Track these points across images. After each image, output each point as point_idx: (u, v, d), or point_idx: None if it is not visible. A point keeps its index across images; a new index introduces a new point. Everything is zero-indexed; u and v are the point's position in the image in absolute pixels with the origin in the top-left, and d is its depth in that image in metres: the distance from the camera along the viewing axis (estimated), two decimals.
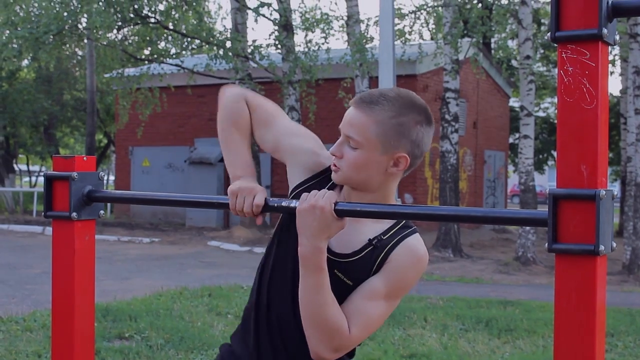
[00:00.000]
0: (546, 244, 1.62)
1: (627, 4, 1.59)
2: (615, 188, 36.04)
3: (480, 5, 18.11)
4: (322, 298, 2.11)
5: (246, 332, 2.43)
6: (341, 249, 2.23)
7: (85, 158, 2.23)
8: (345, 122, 2.19)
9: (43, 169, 39.71)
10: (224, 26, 21.44)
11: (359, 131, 2.14)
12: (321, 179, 2.33)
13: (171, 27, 20.56)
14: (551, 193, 1.61)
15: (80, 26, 20.26)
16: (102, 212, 2.27)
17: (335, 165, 2.20)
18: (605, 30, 1.57)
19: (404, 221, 2.28)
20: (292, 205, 2.12)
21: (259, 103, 2.44)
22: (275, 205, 2.18)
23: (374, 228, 2.23)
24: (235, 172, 2.34)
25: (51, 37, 18.41)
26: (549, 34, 1.62)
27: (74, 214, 2.17)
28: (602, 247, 1.57)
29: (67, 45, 24.27)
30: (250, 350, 2.39)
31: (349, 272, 2.20)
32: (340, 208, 2.03)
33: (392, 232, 2.24)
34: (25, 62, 24.51)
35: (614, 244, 1.65)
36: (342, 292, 2.18)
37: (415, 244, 2.25)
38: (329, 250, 2.18)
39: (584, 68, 1.58)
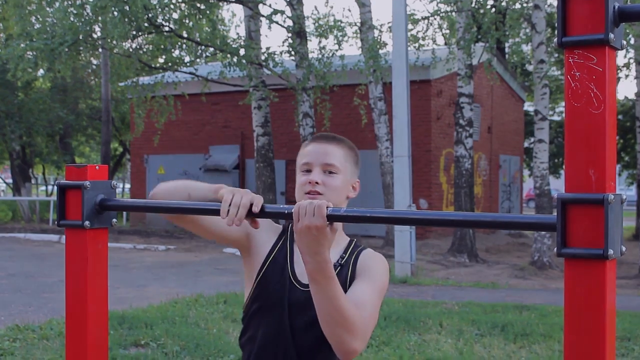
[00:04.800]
0: (555, 249, 1.62)
1: (633, 8, 1.59)
2: (632, 191, 35.92)
3: (493, 10, 18.07)
4: (340, 303, 2.18)
5: None
6: None
7: (97, 167, 2.25)
8: (320, 155, 2.50)
9: (59, 177, 39.88)
10: (238, 34, 21.47)
11: (337, 159, 2.51)
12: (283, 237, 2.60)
13: (185, 36, 20.63)
14: (559, 198, 1.61)
15: (94, 35, 20.36)
16: (114, 220, 2.28)
17: (316, 193, 2.45)
18: (612, 35, 1.57)
19: (354, 242, 2.61)
20: (287, 212, 2.12)
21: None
22: (273, 211, 2.21)
23: (333, 253, 2.42)
24: (211, 187, 2.35)
25: (66, 48, 18.49)
26: (556, 40, 1.63)
27: (87, 223, 2.18)
28: (611, 251, 1.57)
29: (82, 55, 24.37)
30: None
31: None
32: (333, 214, 2.05)
33: (349, 251, 2.56)
34: (40, 72, 24.62)
35: (624, 248, 1.65)
36: None
37: (370, 250, 2.59)
38: (306, 285, 2.42)
39: (591, 73, 1.58)
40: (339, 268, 2.49)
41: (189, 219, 2.44)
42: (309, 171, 2.50)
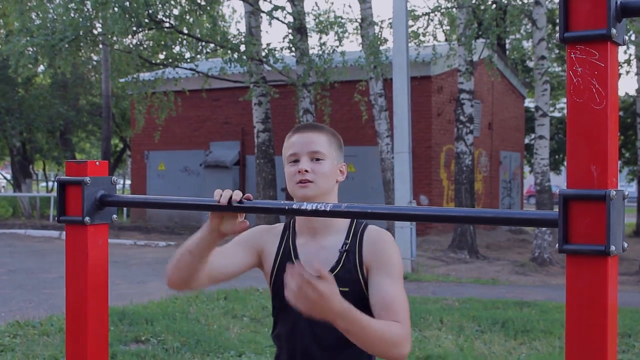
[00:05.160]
0: (556, 245, 1.62)
1: (635, 3, 1.58)
2: (632, 188, 35.92)
3: (494, 6, 18.04)
4: (376, 331, 2.27)
5: None
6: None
7: (97, 163, 2.24)
8: (304, 144, 2.58)
9: (60, 174, 39.84)
10: (238, 30, 21.48)
11: (322, 146, 2.59)
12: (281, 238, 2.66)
13: (185, 32, 20.61)
14: (561, 193, 1.61)
15: (95, 31, 20.34)
16: (115, 216, 2.28)
17: (307, 181, 2.53)
18: (614, 31, 1.56)
19: (354, 221, 2.61)
20: (288, 208, 2.12)
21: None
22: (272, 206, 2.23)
23: (335, 239, 2.58)
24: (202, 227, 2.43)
25: (67, 44, 18.48)
26: (557, 35, 1.62)
27: (87, 219, 2.17)
28: (613, 248, 1.57)
29: (83, 51, 24.36)
30: None
31: (339, 282, 2.35)
32: (334, 210, 2.04)
33: (352, 233, 2.58)
34: (41, 68, 24.62)
35: (625, 244, 1.64)
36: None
37: (373, 229, 2.59)
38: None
39: (593, 68, 1.57)
40: (344, 254, 2.53)
41: (205, 280, 2.53)
42: (296, 161, 2.58)
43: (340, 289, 2.37)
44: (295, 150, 2.59)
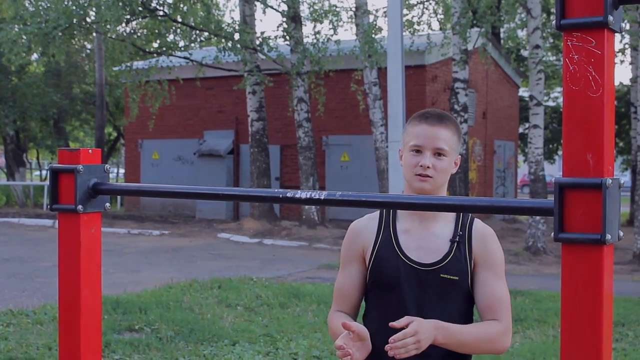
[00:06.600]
0: (552, 234, 1.61)
1: None
2: (626, 177, 36.00)
3: None
4: (479, 340, 2.55)
5: None
6: (433, 257, 2.63)
7: (90, 151, 2.23)
8: (431, 139, 2.60)
9: (53, 162, 39.77)
10: (232, 18, 21.36)
11: (447, 142, 2.61)
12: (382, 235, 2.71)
13: (179, 20, 20.55)
14: (557, 182, 1.60)
15: (88, 19, 20.28)
16: (108, 204, 2.26)
17: (427, 176, 2.58)
18: (611, 18, 1.55)
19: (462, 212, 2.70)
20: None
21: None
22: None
23: (444, 227, 2.67)
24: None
25: (60, 32, 18.41)
26: (553, 23, 1.61)
27: (80, 207, 2.16)
28: (608, 236, 1.56)
29: (76, 39, 24.28)
30: None
31: (451, 270, 2.62)
32: (328, 198, 2.02)
33: (460, 225, 2.68)
34: (34, 56, 24.55)
35: (621, 233, 1.64)
36: (451, 288, 2.62)
37: (480, 226, 2.70)
38: (426, 265, 2.62)
39: (590, 56, 1.56)
40: (455, 245, 2.64)
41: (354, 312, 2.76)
42: (419, 152, 2.61)
43: (451, 277, 2.62)
44: (420, 142, 2.61)
